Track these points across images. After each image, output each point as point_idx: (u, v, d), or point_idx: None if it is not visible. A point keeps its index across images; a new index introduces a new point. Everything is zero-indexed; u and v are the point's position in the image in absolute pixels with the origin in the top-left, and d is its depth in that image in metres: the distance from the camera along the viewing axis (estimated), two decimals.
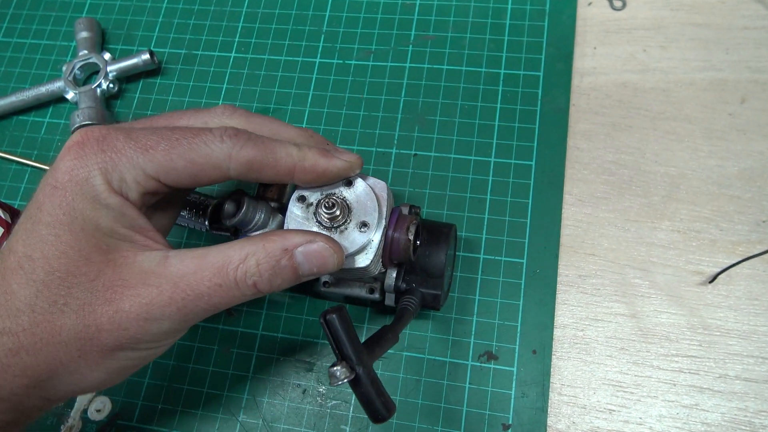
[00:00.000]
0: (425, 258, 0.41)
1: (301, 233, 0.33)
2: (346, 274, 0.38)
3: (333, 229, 0.35)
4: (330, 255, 0.33)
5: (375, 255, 0.36)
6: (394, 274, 0.41)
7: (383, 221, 0.36)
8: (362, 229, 0.35)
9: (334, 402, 0.45)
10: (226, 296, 0.31)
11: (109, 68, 0.56)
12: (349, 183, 0.36)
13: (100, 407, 0.47)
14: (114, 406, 0.47)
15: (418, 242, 0.40)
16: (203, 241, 0.51)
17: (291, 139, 0.35)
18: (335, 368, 0.31)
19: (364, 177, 0.36)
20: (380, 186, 0.37)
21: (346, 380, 0.30)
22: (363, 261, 0.35)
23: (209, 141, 0.31)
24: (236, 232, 0.42)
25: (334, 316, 0.31)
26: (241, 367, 0.47)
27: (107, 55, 0.57)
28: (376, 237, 0.35)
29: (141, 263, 0.30)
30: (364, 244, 0.35)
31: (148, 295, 0.29)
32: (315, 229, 0.35)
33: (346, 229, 0.35)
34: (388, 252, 0.37)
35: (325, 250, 0.32)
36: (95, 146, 0.30)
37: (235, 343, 0.48)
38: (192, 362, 0.48)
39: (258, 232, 0.39)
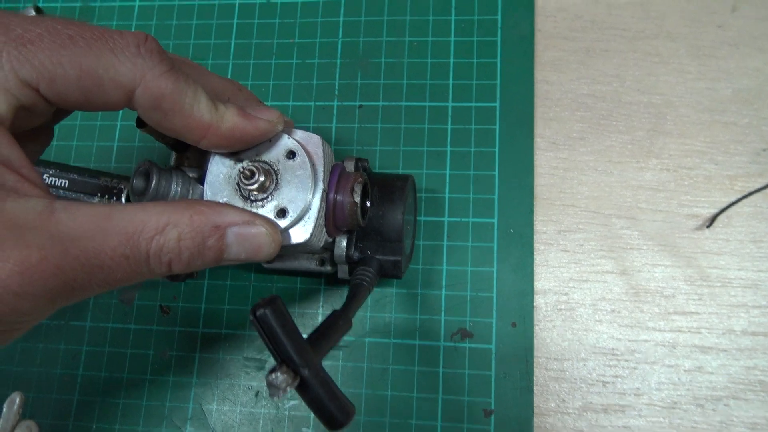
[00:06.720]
0: (379, 219, 0.35)
1: (239, 210, 0.26)
2: (285, 249, 0.31)
3: (253, 202, 0.29)
4: (267, 244, 0.27)
5: (315, 227, 0.29)
6: (344, 243, 0.35)
7: (320, 184, 0.29)
8: (280, 217, 0.29)
9: (292, 402, 0.39)
10: (130, 273, 0.24)
11: None
12: (292, 154, 0.29)
13: None
14: (41, 430, 0.41)
15: (368, 203, 0.34)
16: None
17: (214, 90, 0.28)
18: (273, 375, 0.24)
19: (290, 132, 0.30)
20: (313, 141, 0.30)
21: (289, 388, 0.25)
22: (300, 236, 0.29)
23: (120, 48, 0.24)
24: None
25: (265, 311, 0.25)
26: (183, 372, 0.41)
27: None
28: (314, 203, 0.29)
29: (13, 212, 0.21)
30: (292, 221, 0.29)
31: (26, 260, 0.21)
32: (233, 197, 0.29)
33: (269, 203, 0.29)
34: (331, 219, 0.31)
35: (264, 236, 0.26)
36: None
37: (173, 346, 0.42)
38: (126, 372, 0.41)
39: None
